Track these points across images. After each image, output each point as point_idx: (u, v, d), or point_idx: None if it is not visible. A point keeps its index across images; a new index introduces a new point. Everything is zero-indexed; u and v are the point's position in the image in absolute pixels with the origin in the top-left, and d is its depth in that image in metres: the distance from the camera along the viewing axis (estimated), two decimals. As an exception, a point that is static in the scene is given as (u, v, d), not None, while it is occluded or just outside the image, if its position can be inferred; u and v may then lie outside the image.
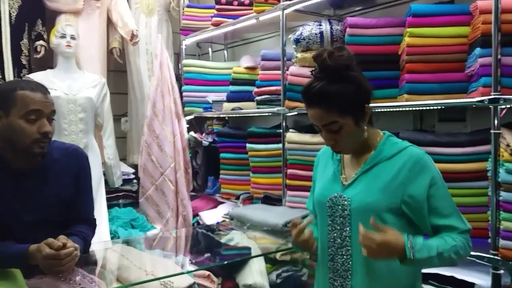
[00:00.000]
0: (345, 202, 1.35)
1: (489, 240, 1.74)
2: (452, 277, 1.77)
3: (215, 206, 3.39)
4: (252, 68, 3.19)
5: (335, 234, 1.38)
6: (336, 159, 1.45)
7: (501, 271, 1.71)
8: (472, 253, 1.74)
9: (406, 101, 2.02)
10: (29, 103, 1.49)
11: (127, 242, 2.36)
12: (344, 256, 1.36)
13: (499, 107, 1.72)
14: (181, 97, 3.56)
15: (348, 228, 1.34)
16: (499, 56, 1.71)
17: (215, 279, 1.83)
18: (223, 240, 2.29)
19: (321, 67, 1.29)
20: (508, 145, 1.67)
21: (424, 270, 1.81)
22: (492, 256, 1.72)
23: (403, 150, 1.34)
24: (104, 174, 3.22)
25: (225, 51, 3.93)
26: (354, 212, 1.33)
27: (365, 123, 1.34)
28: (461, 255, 1.29)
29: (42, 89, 1.54)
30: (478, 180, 1.86)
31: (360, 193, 1.33)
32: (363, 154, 1.38)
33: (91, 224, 1.74)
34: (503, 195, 1.69)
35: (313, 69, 1.32)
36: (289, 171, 2.65)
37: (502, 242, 1.69)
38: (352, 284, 1.34)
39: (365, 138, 1.36)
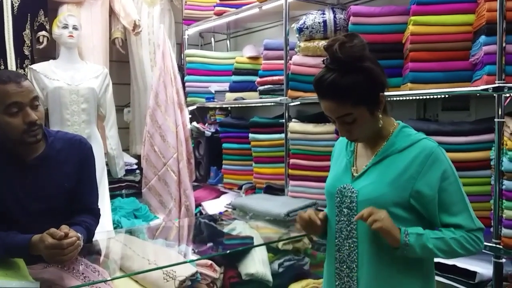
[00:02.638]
0: (353, 194, 1.34)
1: (492, 229, 1.74)
2: (454, 265, 1.78)
3: (218, 196, 3.40)
4: (254, 58, 3.18)
5: (342, 225, 1.37)
6: (349, 150, 1.43)
7: (503, 260, 1.71)
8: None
9: (410, 90, 2.01)
10: (5, 97, 1.45)
11: (130, 232, 2.37)
12: (351, 247, 1.35)
13: (503, 95, 1.71)
14: (184, 87, 3.56)
15: (355, 220, 1.33)
16: (504, 44, 1.70)
17: (217, 268, 1.84)
18: (225, 230, 2.29)
19: (332, 58, 1.25)
20: (512, 134, 1.66)
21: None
22: (494, 245, 1.71)
23: (416, 143, 1.31)
24: (107, 165, 3.23)
25: (228, 41, 3.91)
26: (360, 204, 1.31)
27: (380, 112, 1.31)
28: (467, 248, 1.27)
29: (15, 78, 1.47)
30: (481, 169, 1.85)
31: (368, 186, 1.32)
32: (376, 144, 1.36)
33: (95, 214, 1.75)
34: (506, 184, 1.68)
35: (325, 58, 1.29)
36: (292, 161, 2.64)
37: (504, 231, 1.69)
38: (358, 275, 1.34)
39: (380, 127, 1.33)
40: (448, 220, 1.28)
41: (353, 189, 1.34)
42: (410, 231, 1.24)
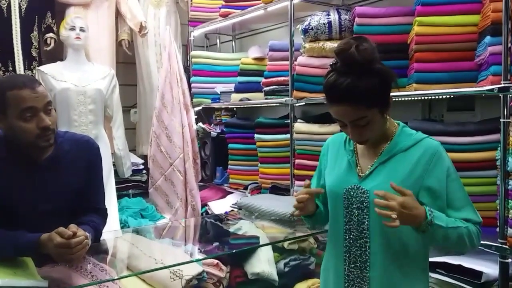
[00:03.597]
0: (363, 194, 1.33)
1: (498, 229, 1.74)
2: (460, 265, 1.77)
3: (224, 196, 3.42)
4: (260, 59, 3.19)
5: (351, 226, 1.36)
6: (349, 149, 1.42)
7: (509, 260, 1.71)
8: (480, 241, 1.75)
9: (415, 90, 2.01)
10: (20, 102, 1.46)
11: (137, 232, 2.38)
12: (362, 248, 1.34)
13: (508, 95, 1.71)
14: (190, 88, 3.58)
15: (366, 221, 1.33)
16: (509, 44, 1.69)
17: (223, 267, 1.85)
18: (231, 230, 2.30)
19: (347, 61, 1.23)
20: (517, 134, 1.66)
21: (432, 259, 1.82)
22: (500, 245, 1.71)
23: (420, 142, 1.33)
24: (114, 165, 3.25)
25: (233, 42, 3.93)
26: (373, 204, 1.29)
27: (388, 113, 1.33)
28: (473, 241, 1.28)
29: (29, 83, 1.49)
30: (487, 169, 1.84)
31: (380, 185, 1.31)
32: (378, 144, 1.37)
33: (102, 214, 1.76)
34: (512, 184, 1.68)
35: (334, 62, 1.27)
36: (297, 161, 2.65)
37: (510, 231, 1.69)
38: (370, 276, 1.33)
39: (385, 128, 1.35)
40: (455, 215, 1.29)
41: (363, 189, 1.34)
42: (435, 222, 1.21)
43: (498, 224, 1.74)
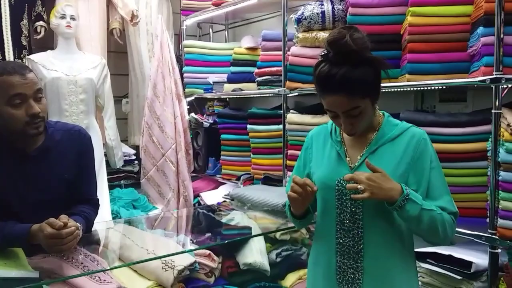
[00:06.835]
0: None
1: (488, 220, 1.75)
2: (450, 255, 1.79)
3: (216, 187, 3.41)
4: (253, 49, 3.18)
5: (343, 217, 1.36)
6: (337, 140, 1.42)
7: (499, 250, 1.72)
8: (470, 232, 1.77)
9: (408, 81, 2.01)
10: (9, 88, 1.45)
11: (129, 222, 2.38)
12: (356, 238, 1.34)
13: (500, 86, 1.71)
14: (182, 78, 3.56)
15: (360, 211, 1.33)
16: (501, 35, 1.69)
17: (215, 258, 1.85)
18: (223, 220, 2.30)
19: (341, 51, 1.22)
20: (508, 125, 1.67)
21: (422, 249, 1.83)
22: (490, 235, 1.73)
23: (406, 131, 1.35)
24: (106, 155, 3.23)
25: (226, 32, 3.90)
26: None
27: (376, 103, 1.34)
28: (446, 229, 1.28)
29: (20, 70, 1.48)
30: (478, 160, 1.86)
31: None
32: (366, 134, 1.38)
33: (94, 204, 1.76)
34: (503, 174, 1.69)
35: (327, 53, 1.26)
36: (290, 151, 2.65)
37: (500, 222, 1.70)
38: (364, 266, 1.33)
39: (373, 118, 1.36)
40: (432, 203, 1.30)
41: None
42: (411, 197, 1.24)
43: (488, 214, 1.75)
